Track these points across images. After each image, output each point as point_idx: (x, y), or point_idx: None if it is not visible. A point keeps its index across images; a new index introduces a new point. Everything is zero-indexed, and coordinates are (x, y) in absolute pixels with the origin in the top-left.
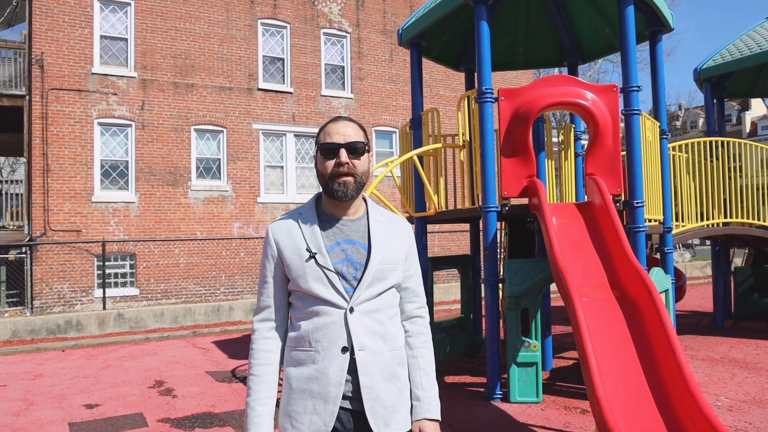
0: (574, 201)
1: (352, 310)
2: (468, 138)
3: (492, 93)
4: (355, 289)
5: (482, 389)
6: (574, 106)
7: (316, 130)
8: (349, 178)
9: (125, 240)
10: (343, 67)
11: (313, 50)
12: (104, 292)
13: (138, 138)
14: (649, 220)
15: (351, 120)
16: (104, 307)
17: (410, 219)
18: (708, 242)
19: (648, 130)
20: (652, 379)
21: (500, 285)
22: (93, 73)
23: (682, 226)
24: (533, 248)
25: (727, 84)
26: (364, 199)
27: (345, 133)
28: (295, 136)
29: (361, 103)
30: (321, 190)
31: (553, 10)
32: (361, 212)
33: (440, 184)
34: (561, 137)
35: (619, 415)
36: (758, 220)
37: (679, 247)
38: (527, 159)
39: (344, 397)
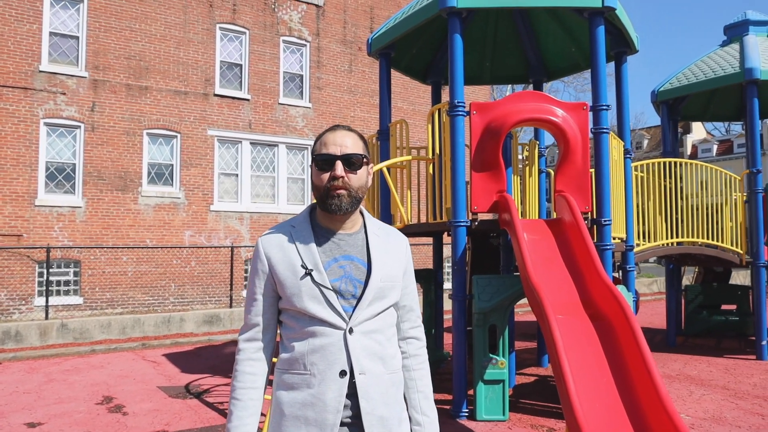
0: (537, 217)
1: (351, 330)
2: (437, 151)
3: (464, 107)
4: (354, 308)
5: (447, 406)
6: (546, 123)
7: (273, 139)
8: (343, 192)
9: (70, 246)
10: (301, 76)
11: (272, 57)
12: (47, 301)
13: (87, 140)
14: (613, 238)
15: (350, 129)
16: (46, 317)
17: None
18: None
19: (614, 149)
20: (627, 397)
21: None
22: (41, 71)
23: (642, 244)
24: (497, 264)
25: (682, 107)
26: (361, 212)
27: (342, 143)
28: (251, 144)
29: (319, 113)
30: (314, 201)
31: (521, 27)
32: (358, 226)
33: (407, 197)
34: (526, 153)
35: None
36: (709, 239)
37: None
38: (498, 174)
39: (342, 424)
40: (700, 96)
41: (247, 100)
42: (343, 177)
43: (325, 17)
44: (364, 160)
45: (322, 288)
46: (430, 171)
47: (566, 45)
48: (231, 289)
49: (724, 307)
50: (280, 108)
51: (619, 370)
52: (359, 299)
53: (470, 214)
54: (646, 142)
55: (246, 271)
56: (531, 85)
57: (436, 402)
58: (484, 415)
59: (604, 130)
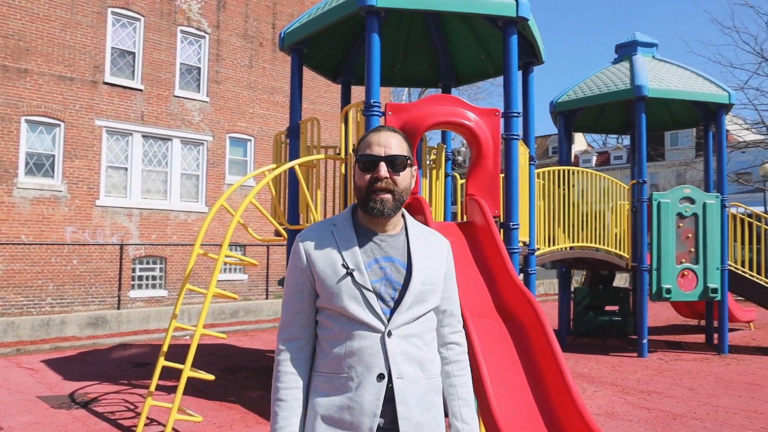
0: (443, 220)
1: (390, 333)
2: (351, 151)
3: (380, 106)
4: (392, 310)
5: None
6: (459, 127)
7: (167, 132)
8: (387, 195)
9: None
10: (199, 69)
11: (168, 47)
12: None
13: None
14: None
15: (395, 131)
16: None
17: (278, 232)
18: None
19: (521, 155)
20: (540, 398)
21: None
22: None
23: (542, 248)
24: None
25: (575, 119)
26: (402, 214)
27: (387, 144)
28: (143, 136)
29: (217, 108)
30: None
31: (434, 32)
32: (399, 227)
33: (318, 197)
34: (433, 157)
35: None
36: (598, 244)
37: None
38: None
39: (379, 428)
40: (592, 109)
41: (140, 90)
42: (387, 178)
43: (226, 9)
44: (408, 161)
45: (363, 289)
46: (342, 171)
47: (477, 52)
48: (119, 290)
49: (608, 307)
50: (175, 101)
51: (533, 371)
52: (398, 302)
53: None
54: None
55: (134, 270)
56: (440, 89)
57: None
58: None
59: (515, 137)
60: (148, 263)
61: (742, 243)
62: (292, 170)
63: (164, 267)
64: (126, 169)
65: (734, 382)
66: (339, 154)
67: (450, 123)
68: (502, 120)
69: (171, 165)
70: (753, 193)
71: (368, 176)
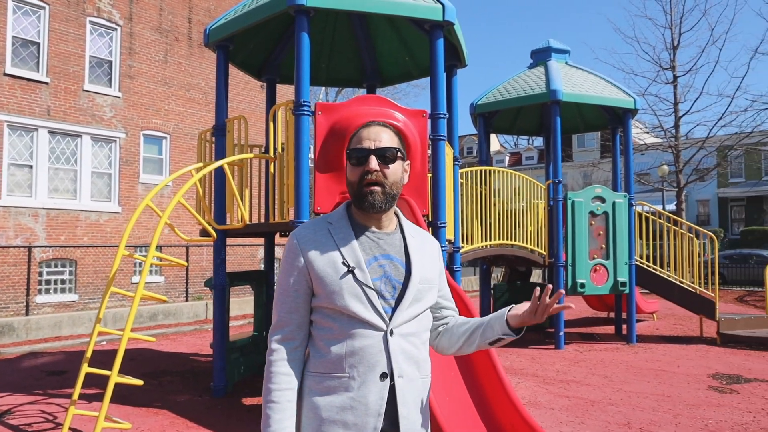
0: None
1: (392, 332)
2: (279, 150)
3: (309, 106)
4: (393, 309)
5: None
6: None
7: (76, 128)
8: (377, 188)
9: None
10: (111, 62)
11: (76, 39)
12: None
13: None
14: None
15: (386, 125)
16: None
17: (203, 232)
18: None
19: (446, 155)
20: (476, 395)
21: None
22: None
23: (465, 246)
24: None
25: (494, 120)
26: (396, 213)
27: (377, 138)
28: (49, 132)
29: (130, 104)
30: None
31: (360, 33)
32: (394, 225)
33: (246, 196)
34: None
35: (452, 429)
36: (516, 241)
37: None
38: (341, 175)
39: (383, 429)
40: (509, 111)
41: (46, 83)
42: (376, 171)
43: (139, 1)
44: (399, 154)
45: (364, 287)
46: (272, 170)
47: (401, 54)
48: (27, 295)
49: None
50: (85, 95)
51: (467, 368)
52: (399, 300)
53: (312, 214)
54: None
55: (41, 274)
56: (365, 90)
57: None
58: None
59: (441, 137)
60: (56, 266)
61: (647, 239)
62: (218, 169)
63: (74, 270)
64: (31, 166)
65: (643, 369)
66: (266, 152)
67: None
68: (429, 121)
69: (81, 163)
70: (652, 193)
71: (359, 170)
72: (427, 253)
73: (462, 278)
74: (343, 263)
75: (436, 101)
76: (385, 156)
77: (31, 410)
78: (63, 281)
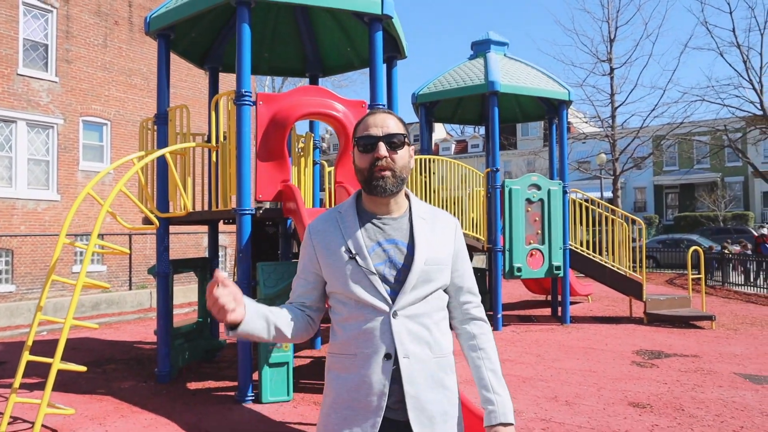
0: (311, 207)
1: (395, 314)
2: (222, 139)
3: (251, 96)
4: (398, 292)
5: (230, 393)
6: (328, 117)
7: (11, 114)
8: (387, 173)
9: None
10: (47, 46)
11: (8, 20)
12: None
13: None
14: None
15: (390, 112)
16: None
17: (146, 220)
18: None
19: None
20: None
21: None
22: None
23: None
24: (275, 251)
25: (435, 109)
26: (407, 196)
27: (384, 125)
28: None
29: (68, 89)
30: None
31: (302, 23)
32: (403, 209)
33: (188, 184)
34: (302, 145)
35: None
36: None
37: None
38: (283, 164)
39: (388, 408)
40: (450, 101)
41: None
42: (386, 157)
43: None
44: (406, 140)
45: (366, 272)
46: (214, 159)
47: (343, 44)
48: None
49: None
50: (19, 79)
51: None
52: (403, 283)
53: (254, 202)
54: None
55: None
56: (307, 80)
57: (221, 389)
58: (270, 397)
59: None
60: None
61: (587, 226)
62: (161, 157)
63: (11, 260)
64: None
65: (574, 347)
66: (208, 141)
67: (319, 114)
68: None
69: (16, 149)
70: (591, 180)
71: (368, 156)
72: (438, 233)
73: None
74: (346, 251)
75: (375, 92)
76: (393, 142)
77: None
78: None
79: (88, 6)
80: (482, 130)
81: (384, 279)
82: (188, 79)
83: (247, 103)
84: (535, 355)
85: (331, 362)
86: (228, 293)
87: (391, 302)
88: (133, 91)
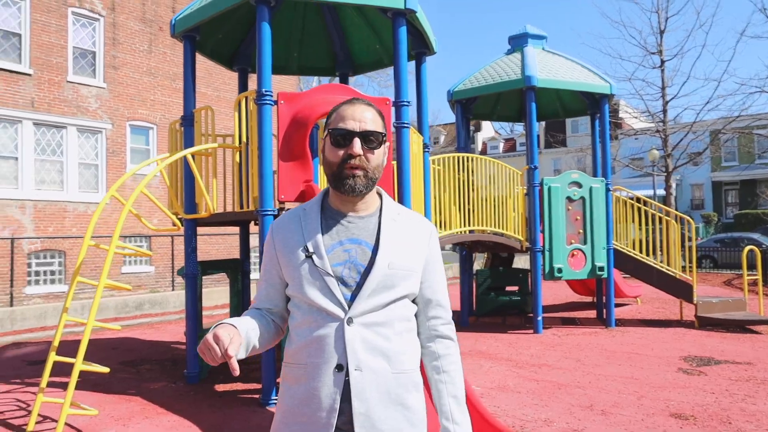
0: None
1: (350, 321)
2: (244, 139)
3: (272, 95)
4: (354, 296)
5: (256, 395)
6: None
7: (61, 120)
8: (359, 172)
9: None
10: (94, 53)
11: (58, 30)
12: None
13: None
14: None
15: (370, 104)
16: None
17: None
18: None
19: (414, 143)
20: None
21: None
22: None
23: (439, 232)
24: None
25: (473, 107)
26: (380, 194)
27: (362, 119)
28: (34, 124)
29: (115, 94)
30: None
31: (329, 20)
32: (373, 208)
33: (213, 186)
34: None
35: None
36: (496, 227)
37: None
38: (305, 164)
39: (338, 429)
40: (488, 98)
41: (29, 75)
42: (360, 155)
43: None
44: (383, 138)
45: (322, 273)
46: (236, 159)
47: (371, 41)
48: (11, 286)
49: (508, 288)
50: (69, 86)
51: None
52: (360, 287)
53: (277, 203)
54: (443, 137)
55: (29, 265)
56: (337, 78)
57: (248, 392)
58: None
59: (405, 125)
60: (45, 257)
61: (637, 225)
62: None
63: (63, 261)
64: (16, 159)
65: (617, 352)
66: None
67: None
68: (393, 109)
69: (67, 154)
70: (643, 178)
71: (341, 152)
72: (409, 237)
73: (453, 264)
74: (303, 249)
75: (400, 89)
76: (370, 139)
77: (6, 399)
78: (52, 272)
79: (134, 13)
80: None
81: (342, 282)
82: (232, 82)
83: (268, 102)
84: (574, 360)
85: (284, 372)
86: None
87: (347, 307)
88: (177, 95)
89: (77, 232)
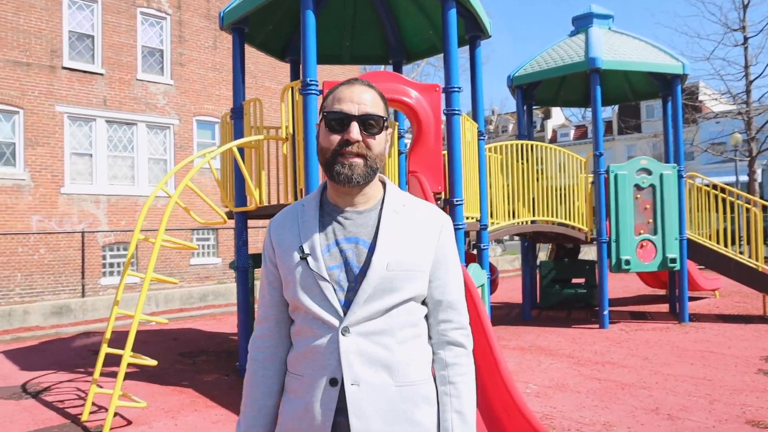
0: None
1: (346, 330)
2: (291, 131)
3: (317, 85)
4: (350, 302)
5: None
6: (398, 104)
7: (132, 117)
8: (358, 160)
9: None
10: (162, 51)
11: (128, 30)
12: None
13: None
14: (468, 218)
15: (370, 85)
16: None
17: (230, 214)
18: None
19: (467, 130)
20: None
21: None
22: None
23: (496, 223)
24: None
25: (536, 92)
26: (384, 183)
27: (360, 101)
28: (106, 122)
29: (182, 91)
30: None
31: (380, 7)
32: (374, 201)
33: (262, 178)
34: None
35: None
36: (559, 217)
37: (492, 243)
38: None
39: None
40: (551, 82)
41: (101, 74)
42: (359, 141)
43: None
44: (384, 123)
45: (317, 277)
46: (284, 151)
47: (424, 27)
48: (83, 278)
49: (574, 280)
50: (138, 84)
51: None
52: (356, 292)
53: None
54: (511, 125)
55: (105, 257)
56: (390, 66)
57: None
58: None
59: (456, 112)
60: (118, 250)
61: (716, 213)
62: (241, 152)
63: (136, 253)
64: (91, 155)
65: (689, 350)
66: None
67: (389, 100)
68: (443, 95)
69: (137, 150)
70: (725, 164)
71: (336, 137)
72: (414, 231)
73: (512, 256)
74: (299, 250)
75: (450, 74)
76: (370, 123)
77: (68, 388)
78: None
79: (198, 11)
80: (606, 113)
81: (339, 286)
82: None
83: (312, 92)
84: (641, 358)
85: (286, 381)
86: None
87: (342, 315)
88: None
89: (147, 225)
